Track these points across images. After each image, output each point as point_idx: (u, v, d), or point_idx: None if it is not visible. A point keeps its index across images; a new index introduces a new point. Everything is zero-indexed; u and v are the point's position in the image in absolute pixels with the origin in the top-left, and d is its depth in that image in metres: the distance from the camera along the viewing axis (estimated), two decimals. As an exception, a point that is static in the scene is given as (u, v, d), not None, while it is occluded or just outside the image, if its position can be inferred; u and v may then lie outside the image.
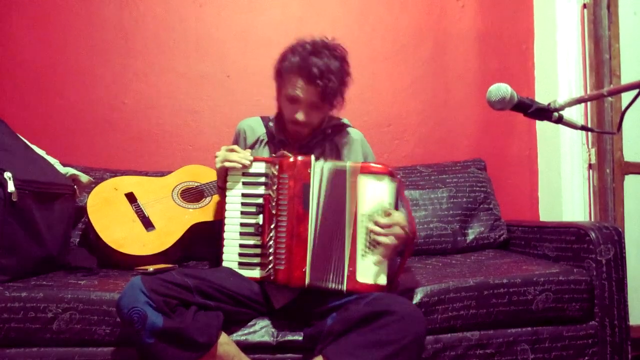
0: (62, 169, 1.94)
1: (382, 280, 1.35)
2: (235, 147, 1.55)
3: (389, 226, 1.33)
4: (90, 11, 2.41)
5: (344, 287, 1.35)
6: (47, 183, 1.71)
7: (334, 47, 1.55)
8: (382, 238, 1.33)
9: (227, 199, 1.51)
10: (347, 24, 2.51)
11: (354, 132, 1.73)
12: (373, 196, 1.37)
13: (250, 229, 1.47)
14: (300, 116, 1.55)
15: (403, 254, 1.41)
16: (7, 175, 1.50)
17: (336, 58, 1.53)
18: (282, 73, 1.57)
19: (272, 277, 1.40)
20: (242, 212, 1.49)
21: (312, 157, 1.42)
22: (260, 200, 1.47)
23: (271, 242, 1.41)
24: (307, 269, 1.37)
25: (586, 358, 1.57)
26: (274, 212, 1.42)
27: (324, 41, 1.56)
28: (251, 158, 1.50)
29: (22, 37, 2.38)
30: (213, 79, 2.45)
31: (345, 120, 1.75)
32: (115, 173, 2.13)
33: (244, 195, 1.49)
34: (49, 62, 2.39)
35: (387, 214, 1.35)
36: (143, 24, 2.43)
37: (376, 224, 1.34)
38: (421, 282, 1.54)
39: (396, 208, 1.40)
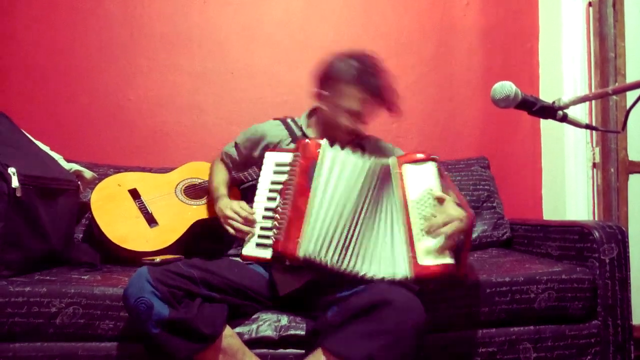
0: (66, 165, 1.95)
1: (448, 259, 1.33)
2: (242, 208, 1.55)
3: (445, 224, 1.32)
4: (95, 8, 2.41)
5: (410, 274, 1.33)
6: (51, 179, 1.71)
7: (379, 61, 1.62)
8: (442, 229, 1.32)
9: (259, 186, 1.57)
10: (351, 22, 2.51)
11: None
12: (420, 182, 1.41)
13: (271, 213, 1.51)
14: (365, 117, 1.61)
15: (466, 235, 1.38)
16: (11, 170, 1.51)
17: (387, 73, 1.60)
18: (343, 85, 1.58)
19: (272, 247, 1.43)
20: (267, 198, 1.55)
21: (324, 140, 1.50)
22: (281, 187, 1.52)
23: (277, 215, 1.45)
24: (301, 240, 1.38)
25: (589, 357, 1.57)
26: (284, 187, 1.47)
27: (374, 58, 1.63)
28: (252, 229, 1.52)
29: (27, 34, 2.39)
30: (217, 76, 2.45)
31: None
32: (119, 169, 2.14)
33: (272, 182, 1.56)
34: (54, 59, 2.39)
35: (439, 200, 1.37)
36: (148, 20, 2.43)
37: (431, 227, 1.33)
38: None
39: (445, 188, 1.42)
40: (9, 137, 1.73)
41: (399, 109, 1.60)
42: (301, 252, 1.37)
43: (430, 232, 1.34)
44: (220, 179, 1.78)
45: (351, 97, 1.56)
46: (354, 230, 1.39)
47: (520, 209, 2.49)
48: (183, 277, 1.30)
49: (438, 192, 1.38)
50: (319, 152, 1.47)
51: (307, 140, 1.51)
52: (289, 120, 1.77)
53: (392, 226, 1.40)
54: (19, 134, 1.83)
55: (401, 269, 1.35)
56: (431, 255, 1.33)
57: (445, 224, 1.31)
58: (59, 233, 1.73)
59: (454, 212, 1.33)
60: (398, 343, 1.19)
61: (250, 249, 1.51)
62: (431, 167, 1.42)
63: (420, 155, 1.44)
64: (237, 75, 2.46)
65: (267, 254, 1.47)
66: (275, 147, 1.72)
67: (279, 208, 1.46)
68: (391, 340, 1.19)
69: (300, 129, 1.73)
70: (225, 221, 1.57)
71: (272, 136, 1.73)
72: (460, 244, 1.38)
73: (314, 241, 1.38)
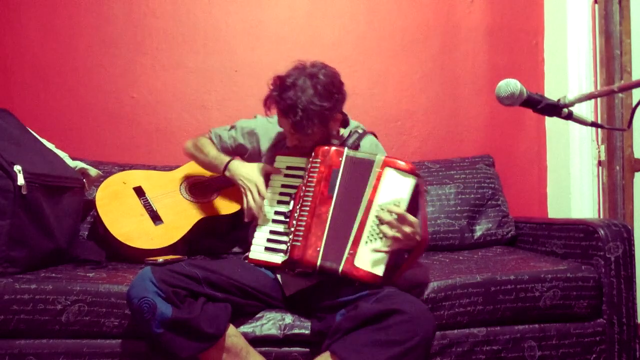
0: (72, 163, 1.95)
1: (379, 270, 1.35)
2: (261, 189, 1.57)
3: (401, 219, 1.33)
4: (99, 6, 2.42)
5: (340, 268, 1.37)
6: (57, 176, 1.72)
7: (311, 74, 1.47)
8: (389, 230, 1.34)
9: (269, 190, 1.58)
10: (355, 20, 2.50)
11: (370, 139, 1.72)
12: (393, 190, 1.39)
13: (282, 217, 1.52)
14: (289, 142, 1.57)
15: (411, 253, 1.41)
16: (17, 168, 1.51)
17: (313, 86, 1.45)
18: (268, 102, 1.55)
19: (287, 253, 1.43)
20: (278, 202, 1.56)
21: (346, 148, 1.48)
22: (294, 191, 1.52)
23: (294, 222, 1.45)
24: (321, 249, 1.39)
25: (594, 356, 1.56)
26: (301, 194, 1.47)
27: (304, 68, 1.49)
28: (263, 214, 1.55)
29: (32, 32, 2.39)
30: (221, 74, 2.45)
31: (361, 126, 1.74)
32: (123, 167, 2.15)
33: (283, 185, 1.56)
34: (59, 57, 2.40)
35: (400, 216, 1.35)
36: (152, 18, 2.44)
37: (388, 211, 1.35)
38: (428, 278, 1.54)
39: (415, 208, 1.39)
40: (15, 134, 1.73)
41: (319, 123, 1.48)
42: (321, 260, 1.38)
43: (379, 232, 1.35)
44: (216, 151, 1.76)
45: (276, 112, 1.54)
46: (344, 228, 1.40)
47: (525, 207, 2.48)
48: (186, 276, 1.31)
49: (402, 209, 1.35)
50: (341, 160, 1.45)
51: (325, 147, 1.48)
52: None
53: (354, 221, 1.40)
54: (25, 131, 1.84)
55: (337, 261, 1.37)
56: (367, 261, 1.36)
57: (399, 220, 1.33)
58: (64, 231, 1.74)
59: (407, 229, 1.33)
60: (407, 354, 1.19)
61: (258, 253, 1.51)
62: (410, 182, 1.39)
63: (405, 165, 1.40)
64: (242, 73, 2.45)
65: (276, 259, 1.48)
66: (274, 147, 1.70)
67: (295, 214, 1.45)
68: (400, 352, 1.19)
69: None
70: (246, 191, 1.58)
71: (269, 137, 1.70)
72: (400, 261, 1.41)
73: (332, 248, 1.38)
